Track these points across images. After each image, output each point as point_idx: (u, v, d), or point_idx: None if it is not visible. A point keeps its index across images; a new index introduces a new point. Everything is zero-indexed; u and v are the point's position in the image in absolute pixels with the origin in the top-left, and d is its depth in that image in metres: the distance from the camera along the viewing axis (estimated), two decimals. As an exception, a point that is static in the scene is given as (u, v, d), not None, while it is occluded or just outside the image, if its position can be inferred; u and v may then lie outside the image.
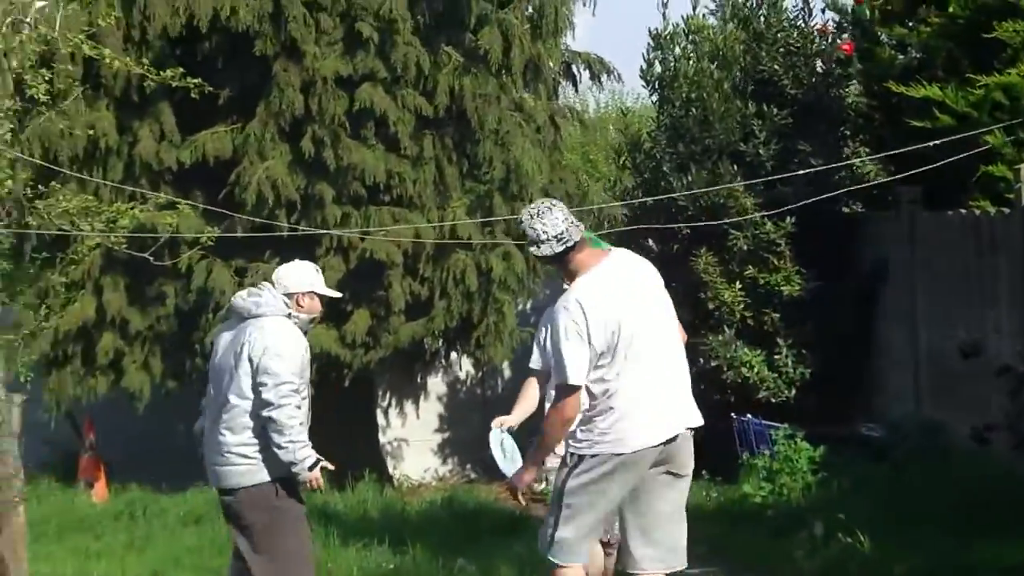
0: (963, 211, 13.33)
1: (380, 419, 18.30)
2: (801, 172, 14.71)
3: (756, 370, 15.16)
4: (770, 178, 14.76)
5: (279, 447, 7.39)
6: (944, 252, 13.94)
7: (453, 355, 17.48)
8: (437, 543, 11.37)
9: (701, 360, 15.29)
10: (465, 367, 18.43)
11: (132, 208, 10.35)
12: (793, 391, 15.18)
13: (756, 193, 15.22)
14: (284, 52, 14.95)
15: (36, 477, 15.50)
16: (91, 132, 14.34)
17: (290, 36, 14.80)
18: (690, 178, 15.68)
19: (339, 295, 8.38)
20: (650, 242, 16.04)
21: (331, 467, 7.59)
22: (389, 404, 18.72)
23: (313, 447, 7.50)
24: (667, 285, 7.03)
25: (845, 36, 15.94)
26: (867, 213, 15.23)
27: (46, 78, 9.86)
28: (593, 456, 6.45)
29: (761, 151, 15.58)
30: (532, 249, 6.56)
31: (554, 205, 6.60)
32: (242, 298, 7.82)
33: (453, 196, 15.49)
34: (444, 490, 17.15)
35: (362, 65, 14.98)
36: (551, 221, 6.46)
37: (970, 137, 13.33)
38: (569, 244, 6.46)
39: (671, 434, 6.47)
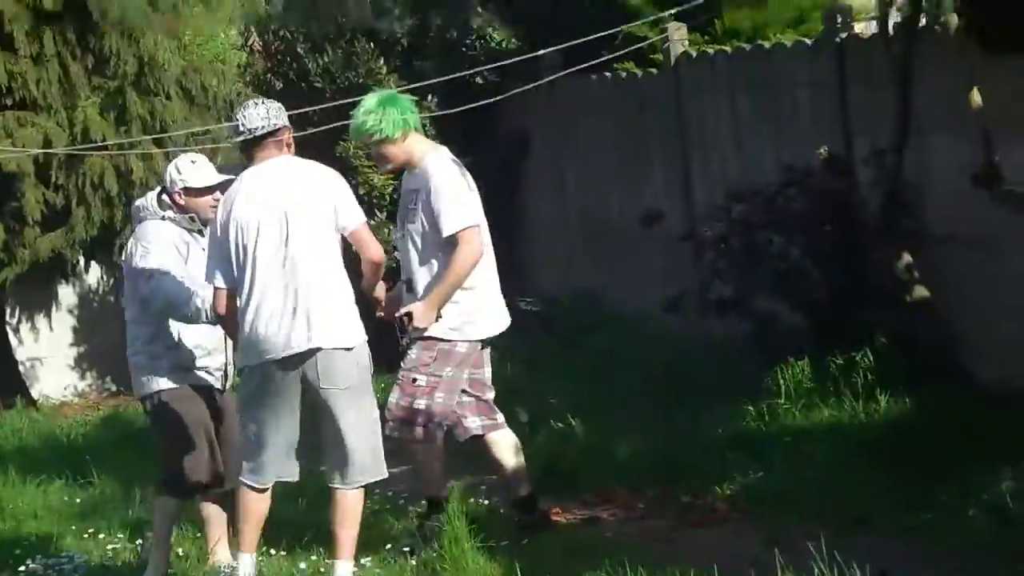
0: (608, 74, 13.33)
1: (12, 338, 17.27)
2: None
3: (408, 253, 14.88)
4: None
5: None
6: (590, 117, 13.95)
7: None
8: (116, 470, 10.73)
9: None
10: (95, 274, 17.52)
11: None
12: (446, 271, 14.97)
13: (396, 71, 14.90)
14: None
15: None
16: None
17: None
18: (327, 59, 15.21)
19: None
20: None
21: None
22: (19, 320, 17.70)
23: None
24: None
25: None
26: (505, 83, 15.02)
27: None
28: None
29: (396, 26, 15.23)
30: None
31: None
32: None
33: (81, 95, 14.58)
34: (88, 408, 16.33)
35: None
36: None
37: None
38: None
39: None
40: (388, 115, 7.11)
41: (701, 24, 12.77)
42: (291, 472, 6.66)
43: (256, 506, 6.61)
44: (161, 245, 7.11)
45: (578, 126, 14.17)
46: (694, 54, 12.16)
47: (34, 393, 16.60)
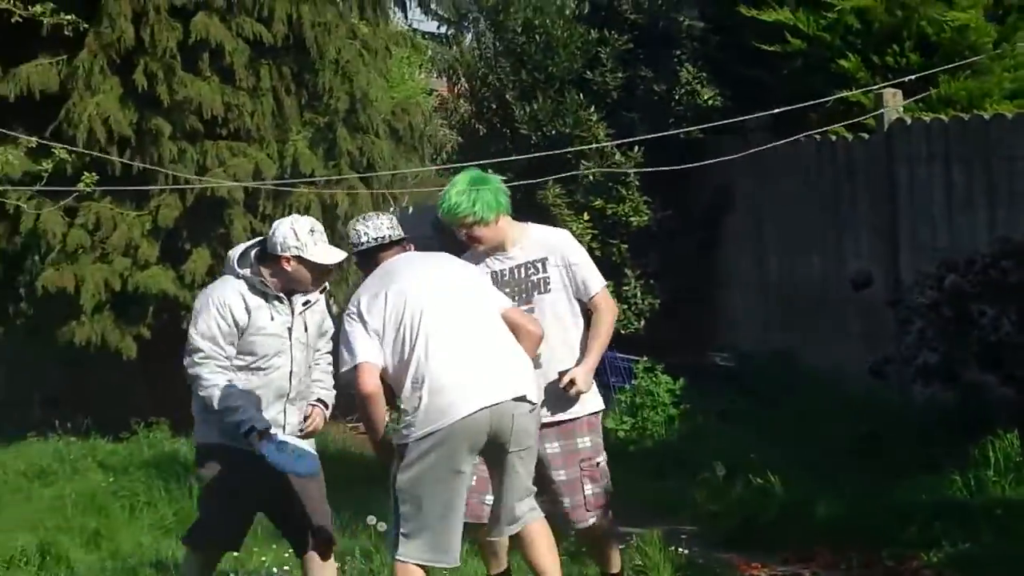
0: (817, 137, 13.30)
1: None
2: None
3: (605, 302, 14.98)
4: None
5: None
6: (795, 179, 13.93)
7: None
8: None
9: (550, 293, 15.07)
10: (293, 303, 17.87)
11: (4, 152, 9.65)
12: (642, 322, 15.08)
13: (605, 122, 15.06)
14: (114, -20, 14.18)
15: None
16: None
17: (121, -37, 14.04)
18: (535, 106, 15.39)
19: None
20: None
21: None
22: (215, 343, 18.08)
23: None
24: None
25: None
26: (709, 139, 15.00)
27: None
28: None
29: (607, 78, 15.38)
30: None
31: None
32: None
33: (293, 129, 14.94)
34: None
35: (196, -7, 14.34)
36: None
37: (822, 62, 13.34)
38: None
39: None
40: (482, 197, 6.76)
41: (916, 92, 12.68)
42: (453, 557, 6.20)
43: None
44: (216, 310, 6.64)
45: (783, 187, 14.16)
46: (908, 121, 12.09)
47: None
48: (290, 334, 6.75)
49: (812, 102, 12.41)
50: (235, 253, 6.83)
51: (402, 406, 6.06)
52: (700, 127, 13.22)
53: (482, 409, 5.96)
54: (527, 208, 15.25)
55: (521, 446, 6.13)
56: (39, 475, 12.74)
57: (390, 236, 6.43)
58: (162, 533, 9.99)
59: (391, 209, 17.45)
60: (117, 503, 10.95)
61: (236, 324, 6.62)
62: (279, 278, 6.68)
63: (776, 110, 12.35)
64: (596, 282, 6.89)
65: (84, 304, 14.28)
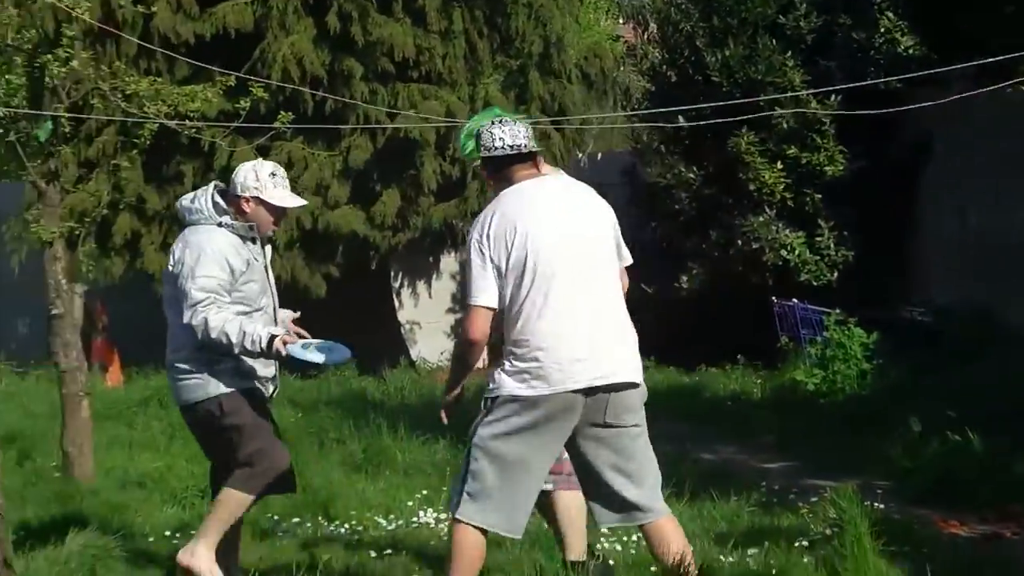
0: (1024, 88, 12.87)
1: (395, 300, 17.80)
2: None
3: (797, 252, 14.78)
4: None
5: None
6: (1000, 131, 13.52)
7: (468, 232, 16.86)
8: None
9: (739, 242, 14.90)
10: (478, 244, 17.91)
11: (204, 90, 9.71)
12: (835, 274, 14.82)
13: (800, 69, 14.77)
14: (309, -78, 14.27)
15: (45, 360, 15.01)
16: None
17: (317, -95, 14.13)
18: (727, 52, 15.15)
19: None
20: (680, 119, 15.49)
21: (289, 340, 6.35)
22: (402, 285, 18.22)
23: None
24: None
25: None
26: (906, 90, 14.58)
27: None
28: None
29: (801, 24, 15.08)
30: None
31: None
32: None
33: (485, 72, 14.90)
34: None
35: (390, -65, 14.35)
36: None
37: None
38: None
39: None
40: (461, 137, 6.20)
41: None
42: (518, 527, 5.75)
43: (473, 551, 5.69)
44: (215, 263, 6.40)
45: (986, 138, 13.75)
46: None
47: (412, 355, 17.06)
48: (267, 272, 6.66)
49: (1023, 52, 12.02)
50: (201, 203, 6.60)
51: (505, 349, 5.65)
52: (904, 76, 12.88)
53: (581, 390, 5.58)
54: (717, 155, 15.13)
55: (620, 420, 5.69)
56: (230, 411, 12.90)
57: (526, 146, 5.82)
58: (352, 469, 10.01)
59: (579, 155, 17.37)
60: (307, 439, 11.02)
61: (232, 272, 6.46)
62: (248, 222, 6.58)
63: (986, 60, 12.00)
64: None
65: (276, 240, 14.42)
